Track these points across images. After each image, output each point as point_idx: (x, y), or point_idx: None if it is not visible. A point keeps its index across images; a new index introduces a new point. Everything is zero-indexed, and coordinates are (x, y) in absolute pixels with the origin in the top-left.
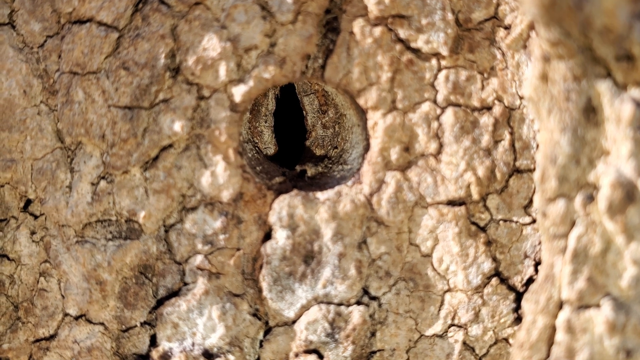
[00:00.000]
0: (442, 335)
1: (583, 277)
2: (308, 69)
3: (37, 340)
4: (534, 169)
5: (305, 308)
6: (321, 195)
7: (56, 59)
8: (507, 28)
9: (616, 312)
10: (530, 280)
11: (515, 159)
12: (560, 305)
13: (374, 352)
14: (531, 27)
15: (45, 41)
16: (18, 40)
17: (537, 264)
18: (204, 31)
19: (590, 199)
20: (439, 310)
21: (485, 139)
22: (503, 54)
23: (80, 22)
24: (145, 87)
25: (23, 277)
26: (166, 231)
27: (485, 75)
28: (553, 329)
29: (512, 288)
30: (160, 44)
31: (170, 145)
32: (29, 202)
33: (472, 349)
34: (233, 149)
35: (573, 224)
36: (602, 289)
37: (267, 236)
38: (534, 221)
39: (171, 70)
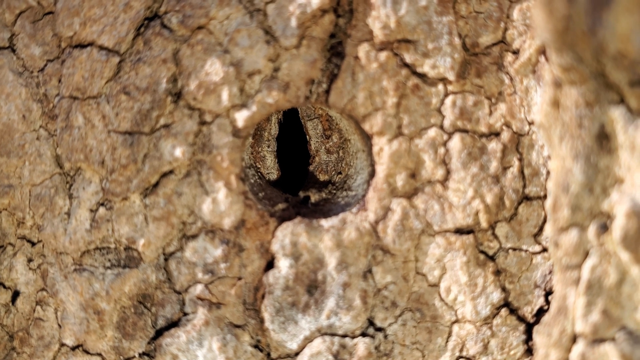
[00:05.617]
0: None
1: (597, 309)
2: (312, 93)
3: None
4: (544, 196)
5: (308, 340)
6: (325, 223)
7: (56, 84)
8: (516, 52)
9: (632, 347)
10: (540, 311)
11: (524, 186)
12: (574, 339)
13: None
14: (540, 51)
15: (45, 65)
16: (18, 64)
17: (548, 294)
18: (207, 56)
19: (604, 228)
20: (447, 341)
21: (494, 166)
22: (511, 79)
23: (81, 46)
24: (146, 112)
25: (19, 306)
26: (166, 259)
27: (493, 100)
28: None
29: (522, 319)
30: (162, 69)
31: (171, 172)
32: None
33: None
34: (235, 175)
35: (587, 254)
36: (618, 322)
37: (270, 265)
38: (544, 250)
39: (173, 95)
